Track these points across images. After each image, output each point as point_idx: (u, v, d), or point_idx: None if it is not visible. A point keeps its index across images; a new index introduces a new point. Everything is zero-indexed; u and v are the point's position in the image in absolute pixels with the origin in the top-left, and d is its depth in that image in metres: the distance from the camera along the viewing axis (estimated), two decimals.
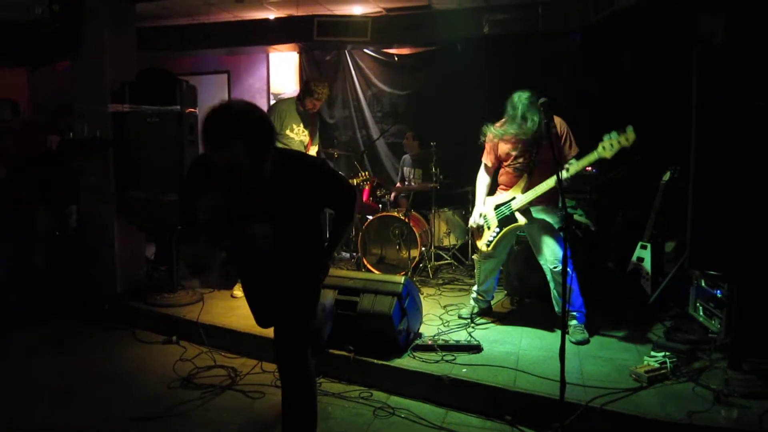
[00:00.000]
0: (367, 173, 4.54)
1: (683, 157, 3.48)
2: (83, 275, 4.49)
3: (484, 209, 3.69)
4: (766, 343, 2.91)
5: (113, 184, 4.38)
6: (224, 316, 4.04)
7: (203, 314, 3.97)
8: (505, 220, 3.56)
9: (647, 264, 3.91)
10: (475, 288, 3.96)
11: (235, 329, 3.77)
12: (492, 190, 3.76)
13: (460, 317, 3.95)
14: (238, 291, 4.39)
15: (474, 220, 3.73)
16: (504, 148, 3.60)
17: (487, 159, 3.74)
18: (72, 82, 4.54)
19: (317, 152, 4.65)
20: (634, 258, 4.04)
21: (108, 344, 3.91)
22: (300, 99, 4.42)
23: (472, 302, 3.99)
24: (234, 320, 3.93)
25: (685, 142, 2.76)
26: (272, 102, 6.76)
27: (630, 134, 3.11)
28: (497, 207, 3.62)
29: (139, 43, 4.69)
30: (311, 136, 4.48)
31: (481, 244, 3.70)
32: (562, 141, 3.48)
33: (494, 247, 3.63)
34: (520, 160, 3.54)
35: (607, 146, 3.17)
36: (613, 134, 3.15)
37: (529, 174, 3.48)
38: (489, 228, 3.65)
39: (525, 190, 3.49)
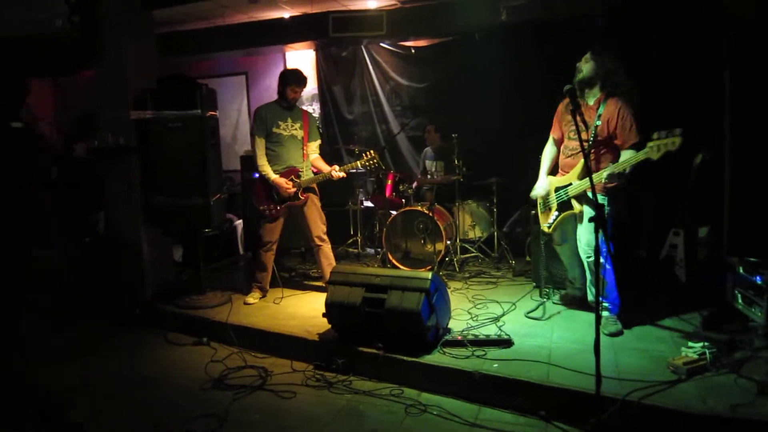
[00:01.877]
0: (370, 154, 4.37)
1: (714, 139, 3.38)
2: (112, 280, 4.57)
3: (546, 187, 3.66)
4: None
5: (138, 189, 4.44)
6: (253, 316, 4.07)
7: (232, 315, 4.01)
8: (563, 205, 3.52)
9: (680, 251, 3.80)
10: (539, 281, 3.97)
11: (263, 329, 3.79)
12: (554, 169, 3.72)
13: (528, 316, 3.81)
14: (251, 298, 4.39)
15: (535, 193, 3.72)
16: (564, 124, 3.59)
17: (553, 131, 3.72)
18: (95, 91, 4.60)
19: (317, 148, 4.57)
20: (666, 245, 3.93)
21: (140, 347, 3.97)
22: (281, 95, 4.34)
23: (541, 297, 3.96)
24: (262, 320, 3.95)
25: (716, 125, 2.66)
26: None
27: (677, 139, 2.92)
28: (557, 190, 3.58)
29: (158, 49, 4.73)
30: (306, 131, 4.42)
31: (544, 225, 3.69)
32: (616, 127, 3.31)
33: (554, 230, 3.62)
34: (575, 141, 3.43)
35: (655, 147, 3.00)
36: (662, 134, 2.98)
37: (585, 158, 3.36)
38: (550, 209, 3.62)
39: (581, 176, 3.40)
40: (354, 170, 4.54)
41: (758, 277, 3.15)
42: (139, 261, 4.48)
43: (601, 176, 3.24)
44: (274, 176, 4.25)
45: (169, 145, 4.23)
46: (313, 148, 4.50)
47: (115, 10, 4.40)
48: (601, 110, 3.36)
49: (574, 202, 3.44)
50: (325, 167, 4.42)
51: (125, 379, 3.44)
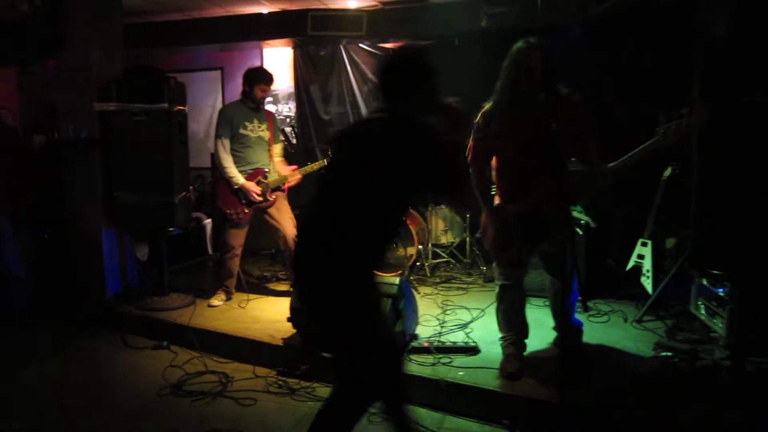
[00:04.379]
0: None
1: (684, 152, 3.40)
2: (71, 279, 4.40)
3: None
4: None
5: (100, 185, 4.28)
6: (216, 319, 3.96)
7: (195, 318, 3.89)
8: None
9: (648, 261, 3.82)
10: None
11: (226, 333, 3.69)
12: None
13: None
14: (215, 300, 4.27)
15: None
16: None
17: None
18: (58, 81, 4.43)
19: (283, 149, 4.50)
20: (634, 255, 3.95)
21: (97, 350, 3.82)
22: (246, 95, 4.21)
23: None
24: (225, 323, 3.85)
25: (686, 138, 2.66)
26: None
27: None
28: None
29: (130, 39, 4.58)
30: (272, 133, 4.31)
31: None
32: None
33: None
34: None
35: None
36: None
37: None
38: None
39: None
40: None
41: (721, 289, 3.18)
42: (99, 259, 4.32)
43: None
44: (242, 180, 4.13)
45: (134, 140, 4.09)
46: (278, 150, 4.42)
47: None
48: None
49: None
50: (283, 171, 4.36)
51: (77, 384, 3.30)
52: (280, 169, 4.37)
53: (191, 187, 4.72)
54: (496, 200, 3.01)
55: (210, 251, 5.96)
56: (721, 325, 3.15)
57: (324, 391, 3.12)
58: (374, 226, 1.97)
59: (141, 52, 6.55)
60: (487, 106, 2.91)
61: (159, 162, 4.04)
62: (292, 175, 4.31)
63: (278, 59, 6.92)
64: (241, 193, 4.14)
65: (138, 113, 4.03)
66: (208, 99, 7.42)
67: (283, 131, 4.59)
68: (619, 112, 4.65)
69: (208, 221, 5.96)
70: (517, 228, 2.83)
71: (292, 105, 6.99)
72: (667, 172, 3.84)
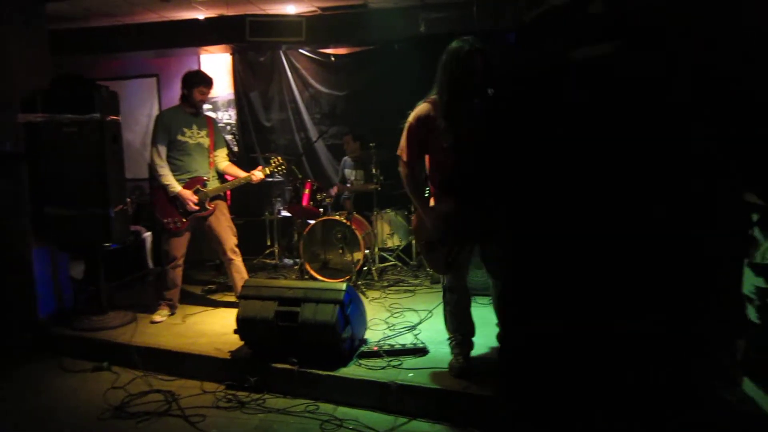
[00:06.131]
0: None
1: None
2: None
3: None
4: None
5: (28, 200, 4.05)
6: (159, 335, 3.83)
7: (136, 335, 3.75)
8: None
9: None
10: None
11: (171, 349, 3.57)
12: None
13: None
14: (158, 316, 4.13)
15: None
16: None
17: None
18: None
19: (227, 156, 4.41)
20: None
21: (31, 377, 3.61)
22: (185, 99, 4.12)
23: None
24: (170, 339, 3.73)
25: None
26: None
27: None
28: None
29: (59, 46, 4.37)
30: (212, 139, 4.22)
31: None
32: None
33: None
34: None
35: None
36: None
37: None
38: None
39: None
40: (269, 177, 4.40)
41: None
42: (30, 279, 4.08)
43: None
44: (179, 188, 4.02)
45: (64, 152, 3.89)
46: (222, 156, 4.32)
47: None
48: None
49: None
50: (241, 173, 4.26)
51: (10, 413, 3.11)
52: (235, 172, 4.27)
53: (128, 200, 4.53)
54: (431, 202, 3.04)
55: (150, 265, 5.75)
56: None
57: (275, 401, 3.08)
58: None
59: (71, 60, 6.27)
60: (422, 105, 2.94)
61: (93, 174, 3.87)
62: (253, 175, 4.19)
63: (216, 65, 6.78)
64: (178, 201, 4.03)
65: (68, 124, 3.84)
66: (143, 107, 7.17)
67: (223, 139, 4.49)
68: None
69: (147, 234, 5.75)
70: (448, 228, 2.86)
71: (232, 112, 6.86)
72: None
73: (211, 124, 4.27)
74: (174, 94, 7.00)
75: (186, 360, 3.47)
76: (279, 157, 4.37)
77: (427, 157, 3.01)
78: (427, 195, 3.07)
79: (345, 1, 5.80)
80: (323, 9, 6.02)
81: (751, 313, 2.11)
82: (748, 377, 1.70)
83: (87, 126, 3.84)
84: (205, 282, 5.24)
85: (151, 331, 3.93)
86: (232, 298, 4.54)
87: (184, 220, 4.06)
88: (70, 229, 3.91)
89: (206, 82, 4.11)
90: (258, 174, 4.21)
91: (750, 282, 2.04)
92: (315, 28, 6.03)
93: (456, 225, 2.84)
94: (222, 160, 4.31)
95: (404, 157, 2.97)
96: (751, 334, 1.69)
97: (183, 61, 7.01)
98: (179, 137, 4.05)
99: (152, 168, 4.07)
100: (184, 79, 4.13)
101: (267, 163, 4.45)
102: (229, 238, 4.19)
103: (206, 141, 4.18)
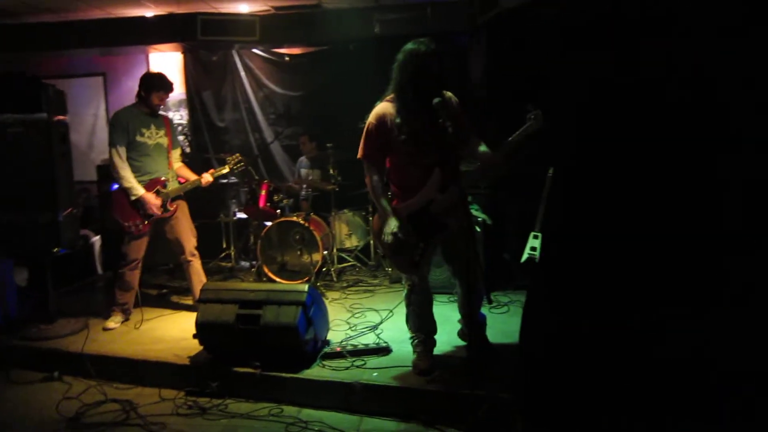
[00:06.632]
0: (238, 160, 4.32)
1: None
2: None
3: None
4: None
5: None
6: (114, 342, 3.71)
7: (89, 343, 3.62)
8: None
9: (538, 253, 4.15)
10: None
11: (126, 357, 3.47)
12: None
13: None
14: (111, 322, 4.01)
15: None
16: None
17: None
18: None
19: (179, 157, 4.33)
20: (527, 248, 4.26)
21: None
22: (142, 100, 4.02)
23: None
24: (125, 346, 3.62)
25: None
26: None
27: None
28: None
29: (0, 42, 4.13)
30: (170, 138, 4.13)
31: None
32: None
33: None
34: None
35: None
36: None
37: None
38: None
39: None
40: (224, 178, 4.35)
41: None
42: None
43: None
44: (142, 191, 3.91)
45: (8, 154, 3.71)
46: (176, 156, 4.24)
47: None
48: None
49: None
50: (191, 175, 4.19)
51: None
52: (186, 174, 4.20)
53: (77, 202, 4.37)
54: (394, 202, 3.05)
55: (100, 270, 5.55)
56: None
57: (237, 406, 3.05)
58: None
59: (12, 57, 5.97)
60: (381, 104, 2.97)
61: (39, 177, 3.70)
62: (203, 178, 4.12)
63: (166, 64, 6.60)
64: (140, 204, 3.92)
65: (13, 124, 3.67)
66: (89, 107, 6.90)
67: None
68: (502, 109, 4.92)
69: (96, 238, 5.54)
70: (410, 227, 2.90)
71: (184, 112, 6.70)
72: (551, 171, 4.19)
73: (168, 123, 4.17)
74: (122, 92, 6.78)
75: (143, 367, 3.38)
76: (237, 155, 4.32)
77: (387, 159, 3.05)
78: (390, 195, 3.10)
79: (299, 0, 5.78)
80: (277, 8, 5.97)
81: None
82: None
83: (33, 127, 3.67)
84: (159, 286, 5.10)
85: (104, 338, 3.80)
86: (189, 302, 4.45)
87: (146, 222, 3.96)
88: (15, 235, 3.73)
89: (165, 88, 4.02)
90: (207, 177, 4.14)
91: None
92: (269, 28, 5.98)
93: (420, 225, 2.89)
94: (176, 160, 4.22)
95: (363, 156, 2.99)
96: None
97: (131, 60, 6.80)
98: (138, 138, 3.94)
99: (112, 170, 3.94)
100: (144, 81, 4.02)
101: (221, 164, 4.39)
102: (189, 239, 4.11)
103: (165, 141, 4.09)
